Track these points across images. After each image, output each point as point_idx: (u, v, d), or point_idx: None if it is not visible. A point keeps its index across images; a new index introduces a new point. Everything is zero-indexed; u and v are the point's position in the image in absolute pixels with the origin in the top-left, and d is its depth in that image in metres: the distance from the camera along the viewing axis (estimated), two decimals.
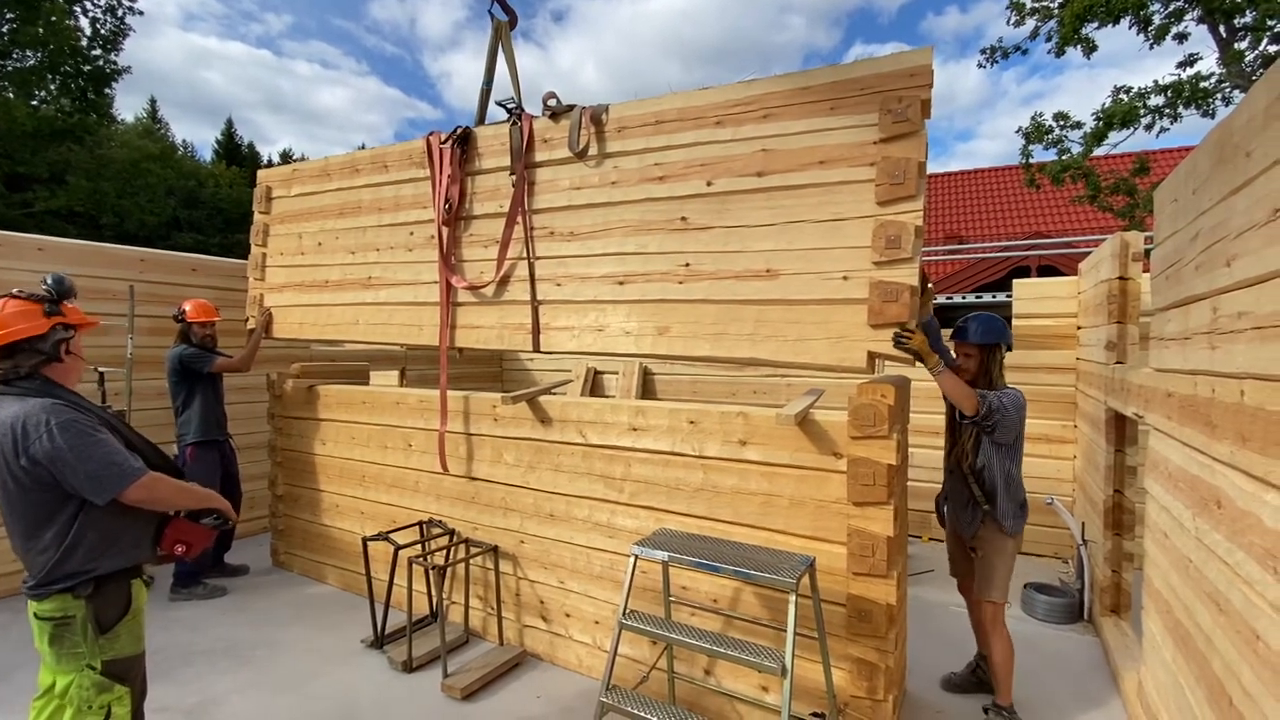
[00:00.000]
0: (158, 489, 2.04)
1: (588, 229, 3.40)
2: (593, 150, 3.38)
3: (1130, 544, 3.87)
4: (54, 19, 16.51)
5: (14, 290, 2.07)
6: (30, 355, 2.01)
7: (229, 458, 4.84)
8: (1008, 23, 13.17)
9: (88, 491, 1.92)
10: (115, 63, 18.76)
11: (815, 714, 2.76)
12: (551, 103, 3.53)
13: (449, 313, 3.87)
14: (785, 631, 2.29)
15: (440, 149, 3.88)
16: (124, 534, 2.04)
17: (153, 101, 31.15)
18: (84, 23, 17.90)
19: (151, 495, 2.02)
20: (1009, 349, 3.09)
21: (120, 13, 18.40)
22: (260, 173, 5.09)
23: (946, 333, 3.46)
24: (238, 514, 4.94)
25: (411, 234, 4.13)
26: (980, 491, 3.00)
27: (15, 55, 16.71)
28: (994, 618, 3.01)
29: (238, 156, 31.91)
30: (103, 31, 18.28)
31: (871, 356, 2.65)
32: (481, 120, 3.99)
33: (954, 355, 3.17)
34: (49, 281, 2.11)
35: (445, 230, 3.85)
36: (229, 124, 33.10)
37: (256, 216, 5.02)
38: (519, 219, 3.59)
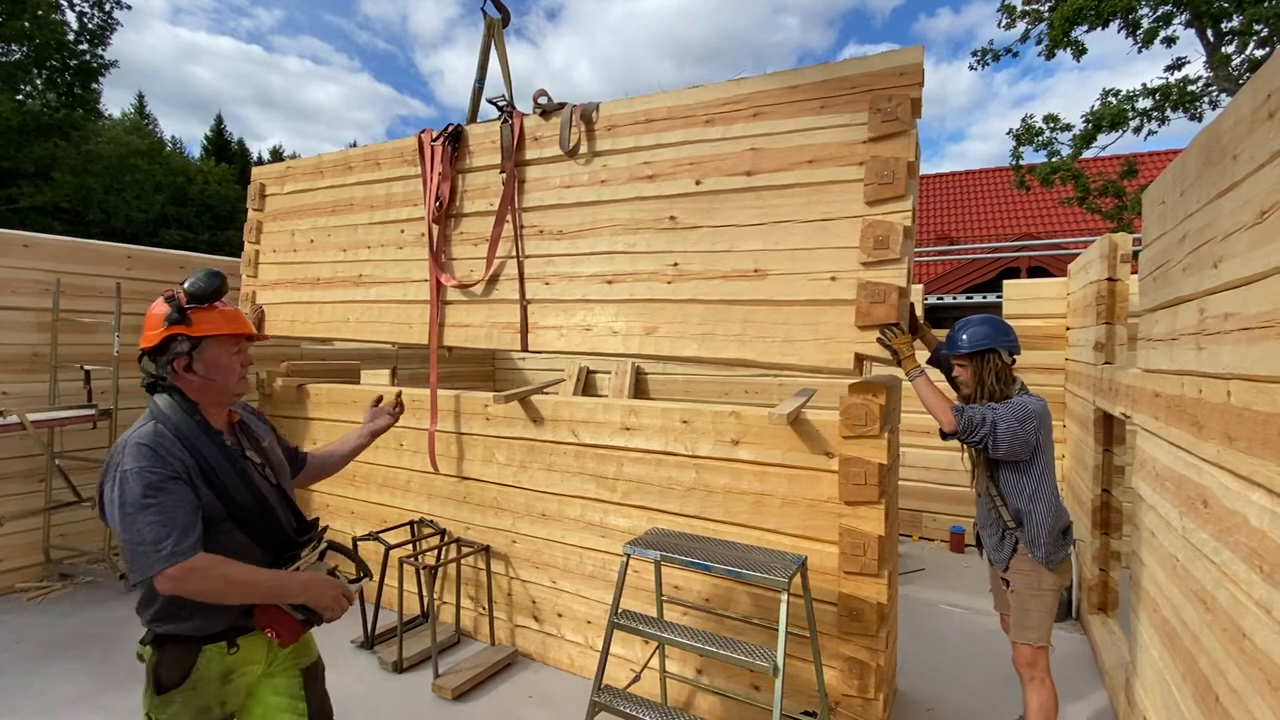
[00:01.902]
0: (192, 581, 1.57)
1: (576, 228, 3.38)
2: (583, 148, 3.37)
3: (1118, 543, 3.90)
4: (40, 12, 16.32)
5: (170, 290, 1.81)
6: (149, 369, 1.76)
7: None
8: (999, 25, 13.26)
9: (126, 558, 1.62)
10: (102, 57, 18.60)
11: (807, 713, 2.76)
12: (542, 101, 3.51)
13: (439, 311, 3.85)
14: (777, 630, 2.29)
15: (431, 146, 3.85)
16: (189, 602, 1.66)
17: (140, 97, 30.90)
18: (70, 16, 17.73)
19: (183, 588, 1.56)
20: (1014, 355, 2.73)
21: (107, 6, 18.25)
22: (254, 170, 5.05)
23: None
24: None
25: (402, 232, 4.11)
26: (1007, 515, 2.67)
27: (1, 49, 16.49)
28: (1030, 662, 2.63)
29: (227, 153, 31.66)
30: (90, 25, 18.12)
31: (859, 358, 2.64)
32: (474, 118, 3.97)
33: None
34: (187, 281, 1.78)
35: (436, 228, 3.83)
36: (218, 120, 32.86)
37: (250, 213, 4.98)
38: (508, 217, 3.58)
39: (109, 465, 1.63)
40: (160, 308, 1.75)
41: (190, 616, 1.68)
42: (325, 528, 1.98)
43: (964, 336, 2.74)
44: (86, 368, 4.68)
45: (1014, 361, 2.73)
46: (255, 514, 1.74)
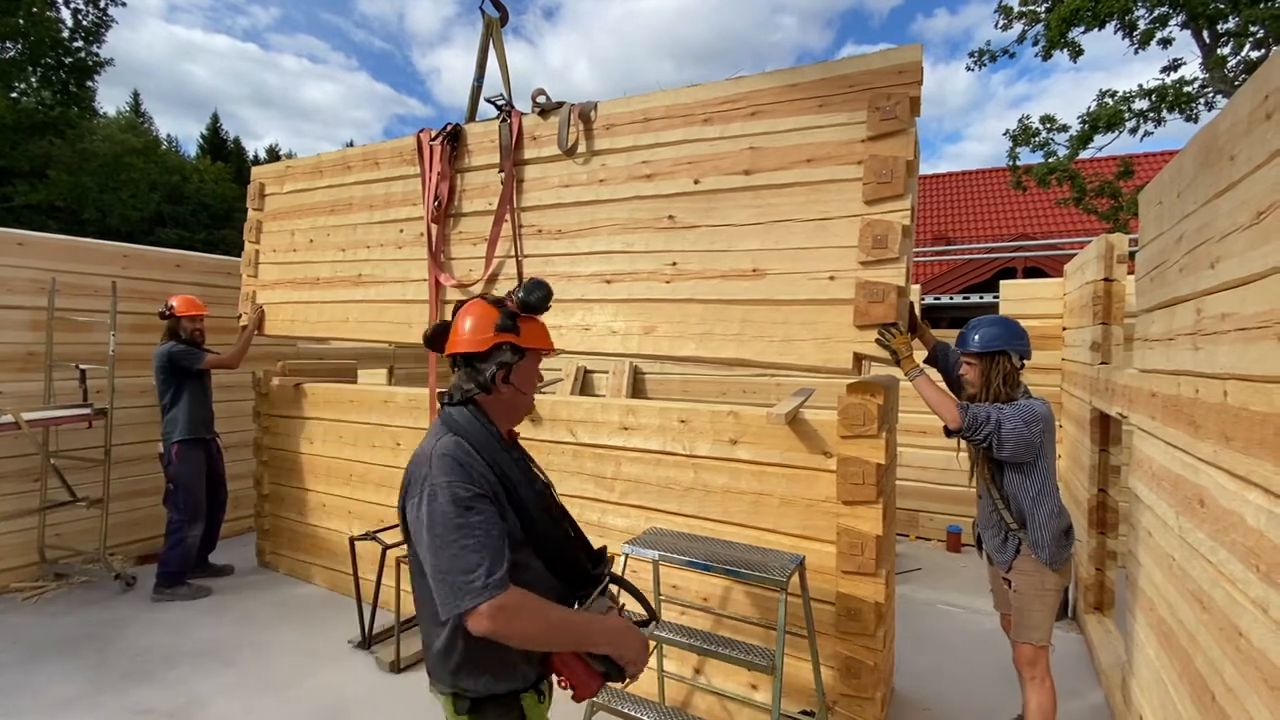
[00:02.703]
0: (505, 620, 1.34)
1: (575, 227, 3.38)
2: (581, 148, 3.37)
3: (1114, 542, 3.91)
4: (35, 10, 16.24)
5: (490, 294, 1.71)
6: (468, 378, 1.58)
7: (215, 457, 4.79)
8: (996, 26, 13.30)
9: (431, 587, 1.39)
10: (98, 55, 18.51)
11: (805, 712, 2.77)
12: (541, 100, 3.51)
13: (438, 310, 3.84)
14: (775, 630, 2.30)
15: (430, 146, 3.85)
16: (500, 647, 1.42)
17: (136, 95, 30.78)
18: (65, 14, 17.64)
19: (496, 628, 1.33)
20: (1024, 358, 2.70)
21: (103, 4, 18.15)
22: (254, 170, 5.05)
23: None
24: (224, 514, 4.94)
25: (401, 231, 4.10)
26: (1009, 516, 2.67)
27: None
28: (1031, 661, 2.65)
29: (223, 151, 31.57)
30: (84, 23, 18.02)
31: (858, 358, 2.64)
32: (472, 117, 3.96)
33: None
34: (520, 290, 1.61)
35: (434, 227, 3.83)
36: (214, 118, 32.73)
37: (250, 213, 4.98)
38: (507, 216, 3.57)
39: (412, 480, 1.46)
40: (487, 311, 1.60)
41: (506, 669, 1.49)
42: (613, 557, 1.77)
43: (976, 336, 2.71)
44: (82, 367, 4.66)
45: (1023, 366, 2.71)
46: (556, 540, 1.55)
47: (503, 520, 1.44)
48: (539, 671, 1.53)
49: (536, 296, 1.60)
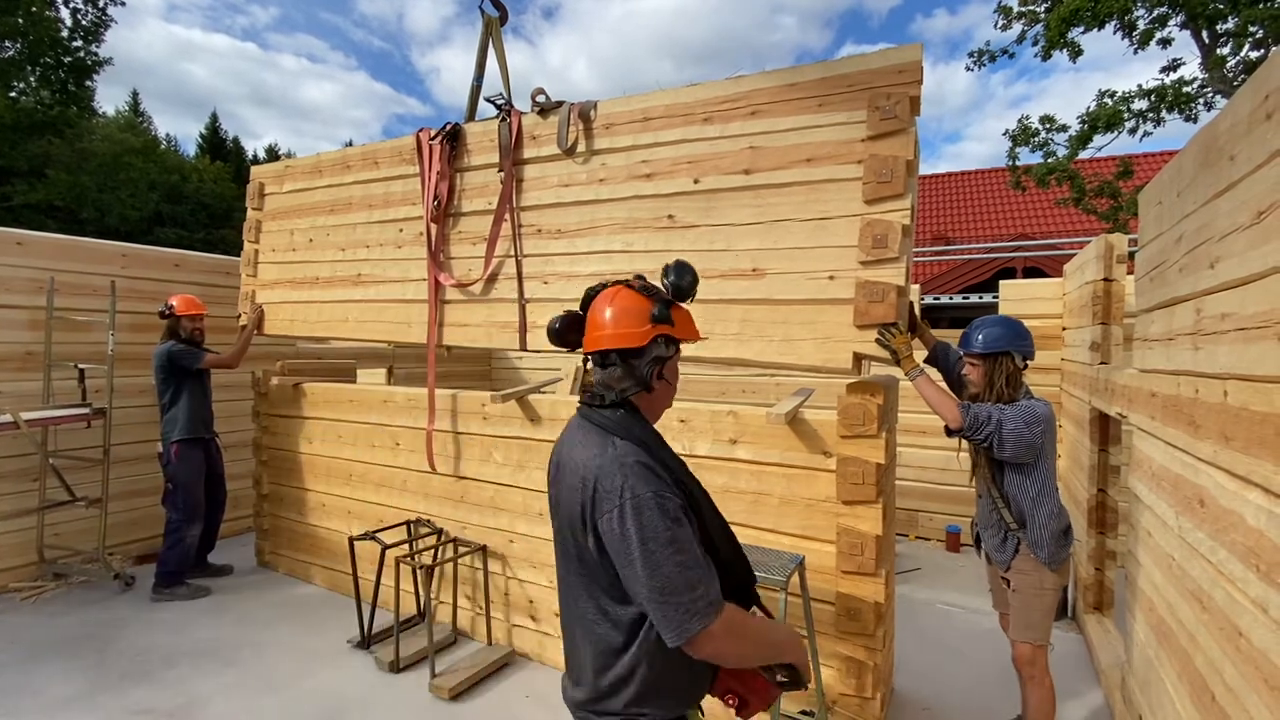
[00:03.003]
0: (724, 639, 1.26)
1: (575, 227, 3.38)
2: (581, 147, 3.36)
3: (1113, 542, 3.91)
4: (34, 9, 16.23)
5: (633, 277, 1.52)
6: (625, 375, 1.43)
7: (214, 456, 4.79)
8: (995, 26, 13.30)
9: (650, 615, 1.27)
10: (96, 54, 18.49)
11: (804, 712, 2.77)
12: (540, 99, 3.51)
13: (437, 310, 3.84)
14: None
15: (430, 145, 3.85)
16: (686, 670, 1.35)
17: (135, 94, 30.77)
18: (64, 13, 17.62)
19: (723, 649, 1.28)
20: (1027, 359, 2.69)
21: (102, 3, 18.13)
22: (253, 169, 5.05)
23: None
24: (223, 514, 4.94)
25: (401, 231, 4.10)
26: (1009, 516, 2.67)
27: None
28: (1030, 660, 2.65)
29: (222, 151, 31.55)
30: (84, 22, 18.00)
31: (858, 357, 2.65)
32: (472, 117, 3.96)
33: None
34: (670, 272, 1.49)
35: (434, 227, 3.82)
36: (213, 118, 32.72)
37: (250, 213, 4.98)
38: (507, 216, 3.57)
39: (602, 493, 1.30)
40: (638, 301, 1.44)
41: (681, 692, 1.38)
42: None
43: (979, 336, 2.70)
44: (81, 366, 4.65)
45: (1026, 366, 2.71)
46: (731, 549, 1.44)
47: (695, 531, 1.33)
48: (698, 699, 1.45)
49: (689, 280, 1.49)
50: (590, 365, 1.51)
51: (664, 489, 1.30)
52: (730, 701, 1.44)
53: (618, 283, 1.49)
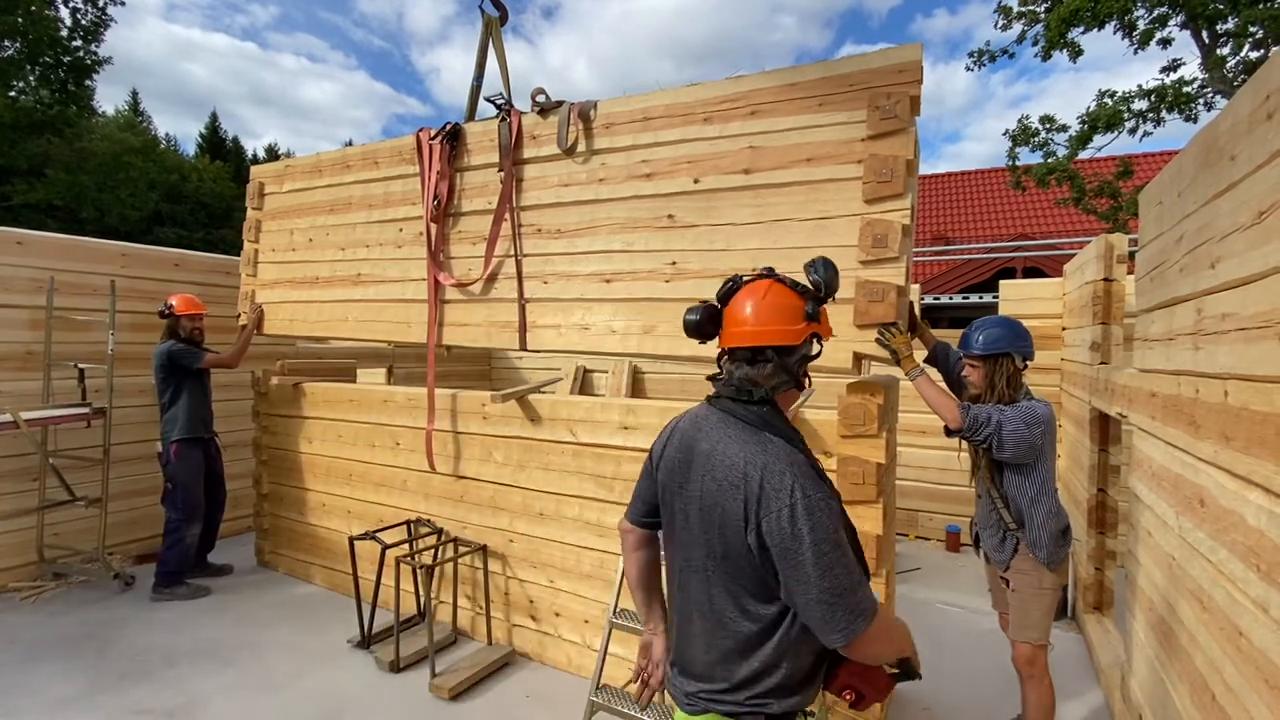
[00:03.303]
0: (883, 640, 1.32)
1: (574, 226, 3.38)
2: (581, 147, 3.36)
3: (1113, 542, 3.91)
4: (33, 8, 16.22)
5: (768, 268, 1.51)
6: (776, 371, 1.42)
7: (214, 456, 4.79)
8: (995, 26, 13.29)
9: (810, 616, 1.27)
10: (96, 54, 18.47)
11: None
12: (540, 99, 3.51)
13: (437, 310, 3.84)
14: None
15: (430, 145, 3.84)
16: (815, 667, 1.40)
17: (134, 94, 30.77)
18: (64, 12, 17.61)
19: (877, 648, 1.32)
20: (1027, 360, 2.69)
21: (101, 3, 18.12)
22: (253, 169, 5.05)
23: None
24: (223, 513, 4.94)
25: (401, 231, 4.10)
26: (1008, 516, 2.67)
27: None
28: (1030, 660, 2.65)
29: (222, 150, 31.56)
30: (83, 22, 17.99)
31: (858, 357, 2.65)
32: (472, 116, 3.96)
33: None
34: (818, 270, 1.47)
35: (434, 227, 3.82)
36: (213, 117, 32.73)
37: (249, 212, 4.98)
38: (506, 216, 3.57)
39: (770, 491, 1.27)
40: (792, 298, 1.44)
41: (807, 686, 1.40)
42: None
43: (979, 338, 2.69)
44: (81, 366, 4.65)
45: (1025, 367, 2.71)
46: (858, 550, 1.42)
47: None
48: (815, 696, 1.47)
49: (832, 276, 1.48)
50: (726, 359, 1.50)
51: (830, 491, 1.31)
52: (848, 697, 1.44)
53: (761, 277, 1.48)
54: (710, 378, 1.53)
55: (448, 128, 3.81)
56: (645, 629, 1.72)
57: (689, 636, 1.46)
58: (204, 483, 4.64)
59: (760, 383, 1.41)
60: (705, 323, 1.48)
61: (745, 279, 1.50)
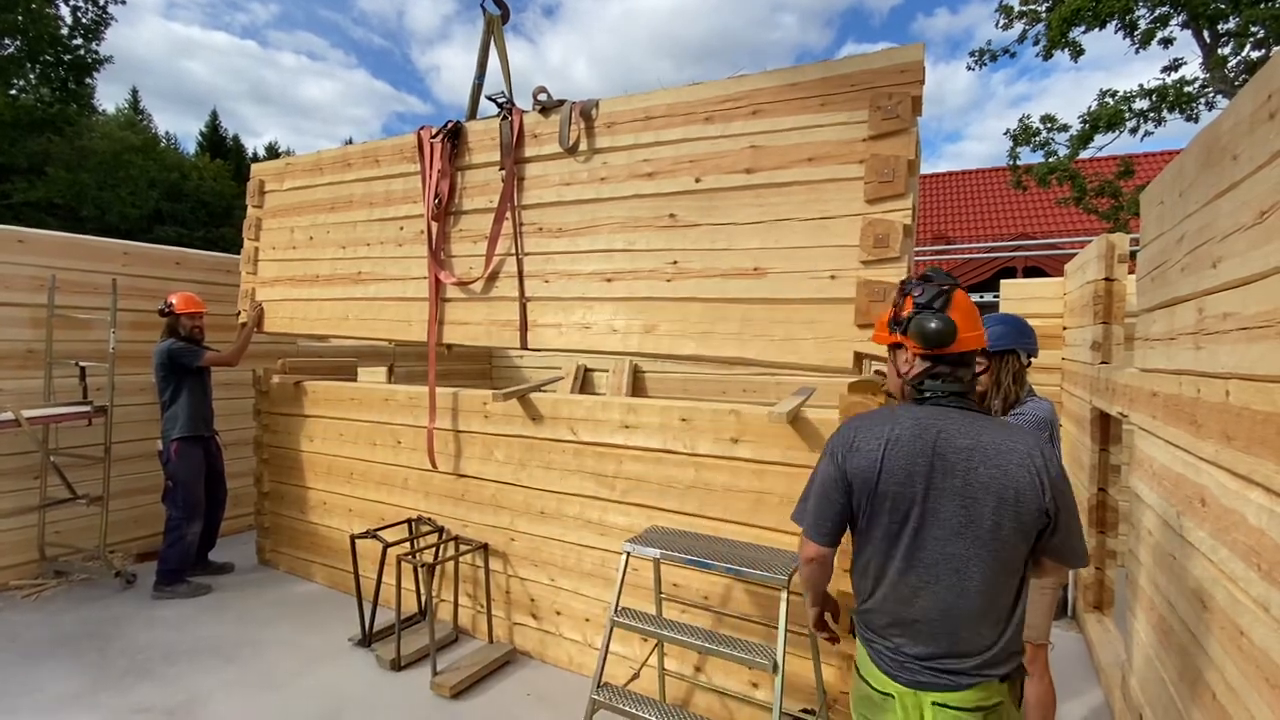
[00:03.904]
0: None
1: (576, 225, 3.38)
2: (582, 146, 3.36)
3: (1114, 541, 3.92)
4: (33, 5, 16.22)
5: (949, 274, 1.69)
6: (972, 373, 1.69)
7: (214, 454, 4.79)
8: (996, 25, 13.28)
9: (1077, 550, 1.58)
10: (97, 52, 18.47)
11: (806, 710, 2.77)
12: (542, 98, 3.51)
13: (438, 308, 3.84)
14: (776, 628, 2.30)
15: (431, 143, 3.84)
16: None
17: (134, 92, 30.71)
18: (65, 11, 17.61)
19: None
20: (1031, 356, 2.72)
21: (102, 2, 18.11)
22: (254, 167, 5.05)
23: None
24: (224, 511, 4.94)
25: (401, 229, 4.10)
26: None
27: None
28: (1030, 659, 2.63)
29: (222, 149, 31.52)
30: (84, 20, 17.98)
31: (859, 357, 2.65)
32: (473, 115, 3.96)
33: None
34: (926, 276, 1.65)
35: (435, 225, 3.82)
36: (213, 116, 32.68)
37: (250, 210, 4.98)
38: (508, 214, 3.57)
39: (1060, 480, 1.52)
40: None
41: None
42: None
43: (985, 335, 2.71)
44: (82, 364, 4.65)
45: (1029, 364, 2.72)
46: None
47: None
48: None
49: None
50: (940, 364, 1.63)
51: None
52: None
53: (954, 284, 1.66)
54: (917, 383, 1.64)
55: (449, 126, 3.81)
56: (817, 610, 1.91)
57: (954, 621, 1.56)
58: (205, 481, 4.64)
59: (974, 385, 1.67)
60: (953, 333, 1.60)
61: (946, 285, 1.64)
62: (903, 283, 1.72)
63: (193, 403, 4.54)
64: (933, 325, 1.58)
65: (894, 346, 1.72)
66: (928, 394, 1.63)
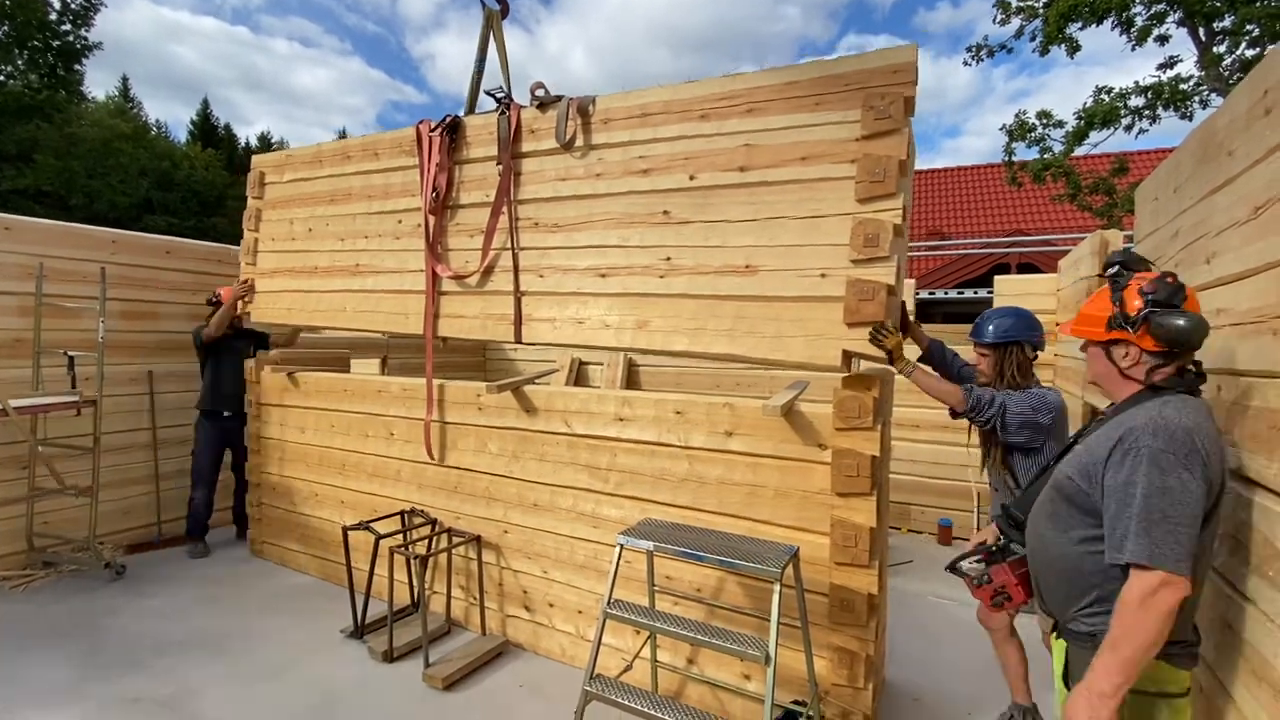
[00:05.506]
0: None
1: (571, 221, 3.37)
2: (579, 142, 3.35)
3: None
4: None
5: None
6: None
7: (234, 431, 5.11)
8: (994, 20, 13.26)
9: None
10: (86, 38, 18.22)
11: (797, 702, 2.79)
12: (539, 93, 3.48)
13: (434, 301, 3.83)
14: (768, 620, 2.31)
15: (429, 137, 3.82)
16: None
17: (124, 79, 30.24)
18: None
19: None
20: (1037, 349, 2.80)
21: None
22: (254, 158, 5.02)
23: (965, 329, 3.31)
24: (247, 490, 5.07)
25: (400, 222, 4.08)
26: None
27: None
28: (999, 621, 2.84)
29: (213, 138, 31.14)
30: (73, 6, 17.72)
31: (847, 355, 2.65)
32: (472, 109, 3.94)
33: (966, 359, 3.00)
34: (1117, 260, 1.64)
35: (432, 219, 3.80)
36: (204, 104, 32.26)
37: (250, 201, 4.97)
38: (504, 209, 3.55)
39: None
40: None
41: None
42: None
43: (990, 327, 2.79)
44: (70, 354, 4.61)
45: (1035, 356, 2.77)
46: None
47: None
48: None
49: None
50: (1177, 361, 1.60)
51: None
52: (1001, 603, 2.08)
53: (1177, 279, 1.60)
54: (1180, 375, 1.57)
55: (447, 120, 3.78)
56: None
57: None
58: (215, 454, 5.00)
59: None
60: None
61: (1177, 280, 1.57)
62: (1113, 277, 1.64)
63: (213, 378, 5.00)
64: (1184, 323, 1.50)
65: (1110, 343, 1.63)
66: (1183, 389, 1.54)
